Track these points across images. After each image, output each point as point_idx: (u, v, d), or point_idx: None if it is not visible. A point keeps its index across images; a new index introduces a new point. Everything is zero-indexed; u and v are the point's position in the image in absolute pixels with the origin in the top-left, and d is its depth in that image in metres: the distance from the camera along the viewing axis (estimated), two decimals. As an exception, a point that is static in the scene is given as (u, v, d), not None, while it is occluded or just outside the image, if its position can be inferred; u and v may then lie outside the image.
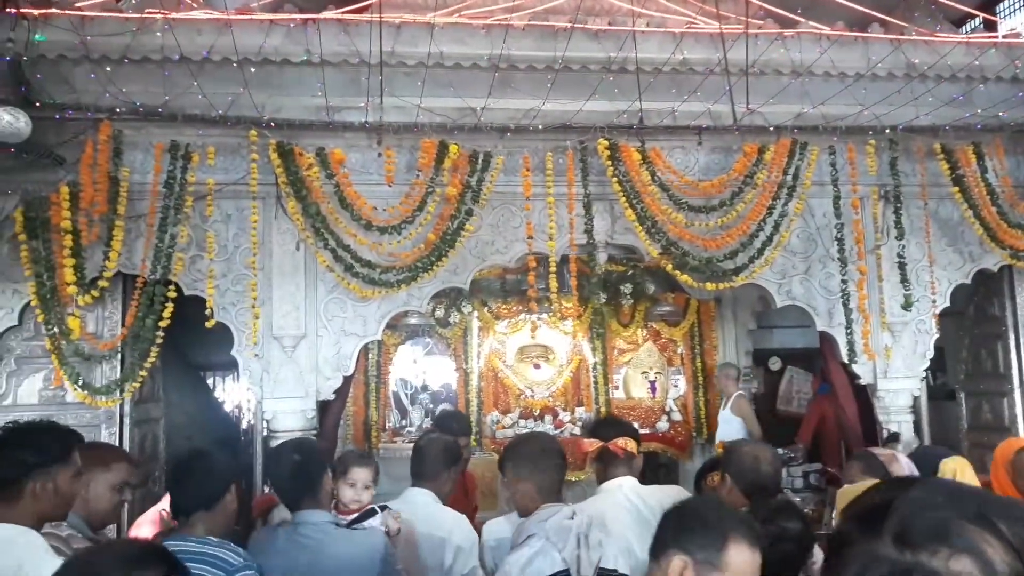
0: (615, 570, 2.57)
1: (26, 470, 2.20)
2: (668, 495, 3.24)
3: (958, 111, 5.38)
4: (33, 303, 4.68)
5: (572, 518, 2.61)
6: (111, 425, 5.34)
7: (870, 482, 3.16)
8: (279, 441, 4.92)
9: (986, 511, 0.87)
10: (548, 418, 7.99)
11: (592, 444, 3.07)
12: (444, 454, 3.41)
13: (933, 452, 3.64)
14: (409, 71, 4.72)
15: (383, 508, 3.16)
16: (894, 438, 5.07)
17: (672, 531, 1.89)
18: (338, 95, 4.83)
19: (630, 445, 3.02)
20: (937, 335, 5.66)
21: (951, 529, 0.85)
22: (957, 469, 2.97)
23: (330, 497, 3.05)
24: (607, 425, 3.30)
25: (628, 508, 2.85)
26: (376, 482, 3.33)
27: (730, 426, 6.71)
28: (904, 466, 2.94)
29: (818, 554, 2.57)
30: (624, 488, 2.93)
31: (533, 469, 2.78)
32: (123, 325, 4.93)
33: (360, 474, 3.25)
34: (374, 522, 3.09)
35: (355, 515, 3.15)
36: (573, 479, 7.44)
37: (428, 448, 3.45)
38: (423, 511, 3.27)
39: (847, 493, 3.27)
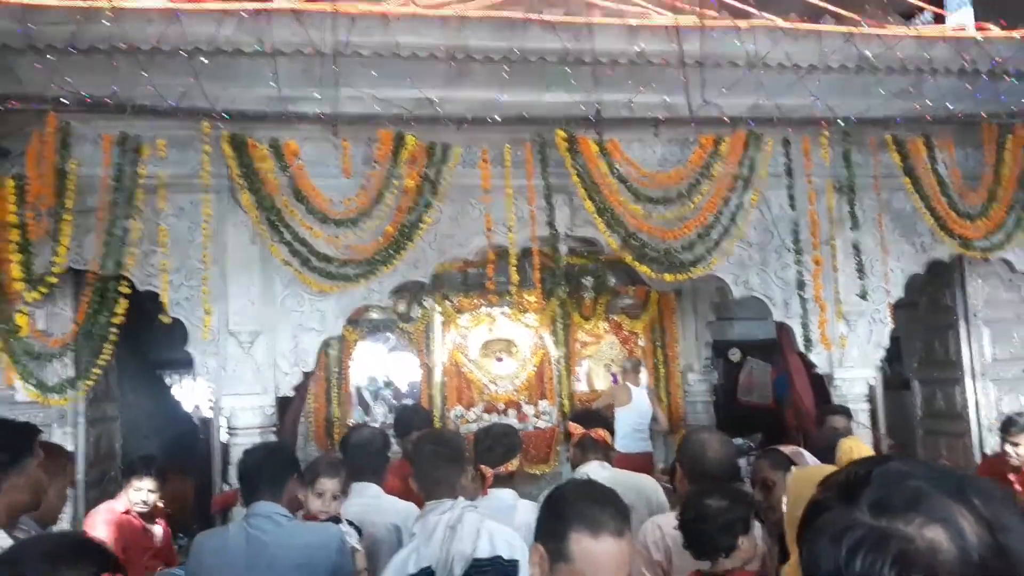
0: (497, 556, 2.52)
1: (1, 469, 2.27)
2: (633, 480, 3.33)
3: (908, 103, 5.45)
4: (-22, 300, 4.54)
5: (448, 510, 2.58)
6: (64, 424, 5.22)
7: (823, 468, 3.20)
8: (239, 438, 4.87)
9: (963, 487, 0.90)
10: (512, 412, 7.96)
11: (576, 429, 3.53)
12: (377, 443, 3.53)
13: (833, 435, 3.78)
14: (364, 61, 4.65)
15: (354, 525, 3.20)
16: (844, 412, 5.13)
17: (537, 520, 1.87)
18: (292, 86, 4.73)
19: (607, 437, 3.48)
20: (892, 325, 5.73)
21: (926, 499, 0.87)
22: (853, 447, 3.06)
23: (294, 502, 3.02)
24: (590, 417, 3.71)
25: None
26: (345, 492, 3.33)
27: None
28: (808, 461, 3.02)
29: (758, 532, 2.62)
30: (591, 469, 3.27)
31: (418, 466, 2.83)
32: (75, 322, 4.81)
33: (328, 484, 3.25)
34: (342, 527, 3.10)
35: (324, 521, 3.16)
36: (537, 472, 7.46)
37: (365, 443, 3.50)
38: (377, 502, 3.31)
39: (798, 480, 3.29)
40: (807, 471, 3.35)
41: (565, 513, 1.79)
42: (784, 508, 2.59)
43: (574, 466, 3.49)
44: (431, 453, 2.79)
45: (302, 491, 3.18)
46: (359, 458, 3.48)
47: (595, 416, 3.76)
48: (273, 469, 2.91)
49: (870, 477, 0.93)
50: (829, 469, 2.33)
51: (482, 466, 3.11)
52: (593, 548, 1.71)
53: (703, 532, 2.44)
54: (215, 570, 2.69)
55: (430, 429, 4.24)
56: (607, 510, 1.78)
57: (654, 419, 7.41)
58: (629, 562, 1.76)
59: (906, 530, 0.85)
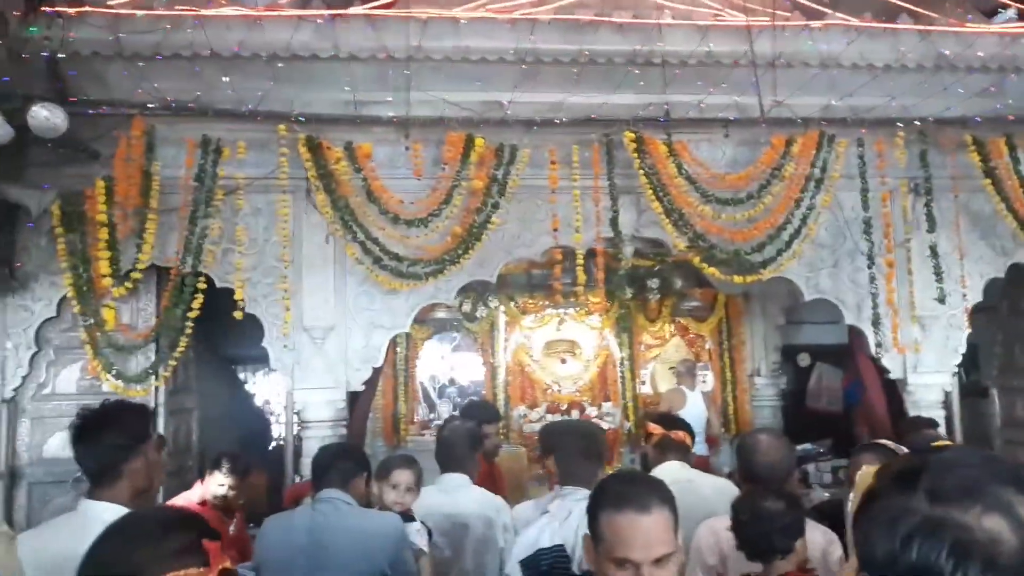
0: None
1: (124, 453, 2.29)
2: (712, 481, 3.39)
3: (989, 102, 5.31)
4: (70, 295, 4.79)
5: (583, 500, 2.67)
6: (145, 415, 5.45)
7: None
8: (310, 431, 5.04)
9: (1020, 475, 0.89)
10: (575, 413, 8.00)
11: (656, 430, 3.61)
12: (469, 439, 3.51)
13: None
14: (435, 65, 4.76)
15: (424, 524, 3.23)
16: (931, 424, 4.99)
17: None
18: (366, 90, 4.88)
19: (687, 439, 3.57)
20: (969, 330, 5.58)
21: (985, 488, 0.87)
22: None
23: (362, 500, 3.09)
24: (670, 419, 3.82)
25: (676, 485, 3.01)
26: (419, 485, 3.37)
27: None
28: None
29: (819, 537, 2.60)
30: (671, 468, 3.35)
31: (561, 455, 2.91)
32: (156, 316, 5.04)
33: (402, 476, 3.30)
34: (414, 525, 3.16)
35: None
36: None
37: (453, 435, 3.54)
38: (466, 493, 3.37)
39: (866, 476, 3.26)
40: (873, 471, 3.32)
41: (598, 496, 1.89)
42: (850, 508, 2.58)
43: (651, 466, 3.54)
44: (574, 447, 2.88)
45: (375, 486, 3.26)
46: (449, 449, 3.54)
47: (675, 419, 3.82)
48: (344, 464, 3.03)
49: (927, 465, 0.91)
50: None
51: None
52: (616, 520, 1.78)
53: (761, 534, 2.44)
54: (277, 548, 2.83)
55: (576, 421, 4.29)
56: (634, 488, 1.85)
57: (708, 422, 7.35)
58: (665, 540, 1.78)
59: (964, 519, 0.84)
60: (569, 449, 2.92)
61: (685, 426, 3.64)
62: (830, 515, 3.59)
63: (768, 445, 2.94)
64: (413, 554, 3.01)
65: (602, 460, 3.02)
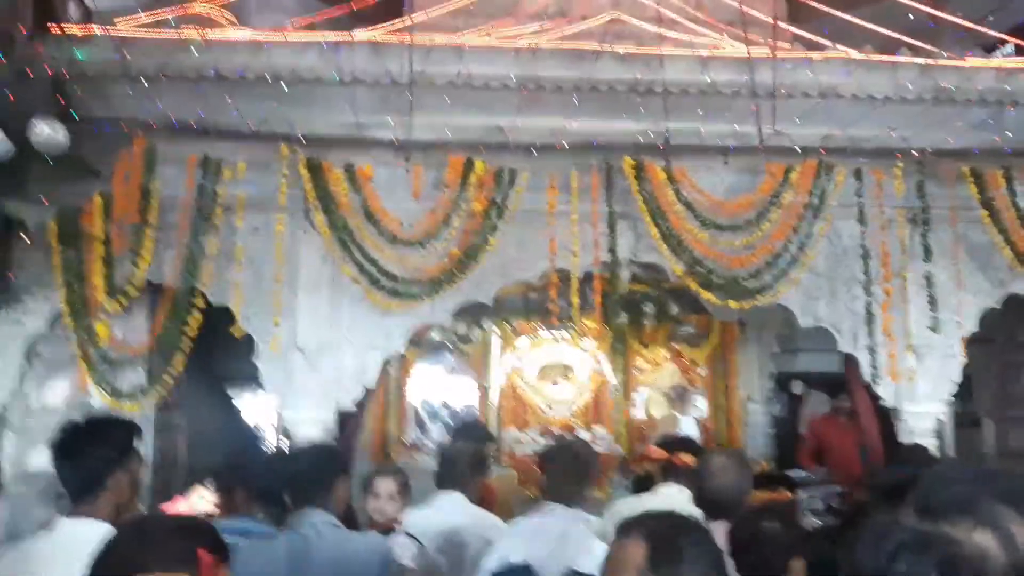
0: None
1: (108, 466, 2.31)
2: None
3: (987, 135, 5.43)
4: (64, 309, 4.84)
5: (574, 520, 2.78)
6: (135, 432, 5.48)
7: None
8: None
9: (1011, 490, 0.90)
10: (567, 437, 8.04)
11: (658, 453, 3.70)
12: (472, 460, 3.52)
13: None
14: (438, 90, 4.86)
15: (412, 536, 3.12)
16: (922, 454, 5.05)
17: None
18: (368, 113, 4.98)
19: (691, 462, 3.50)
20: (964, 360, 5.69)
21: (976, 503, 0.87)
22: None
23: (343, 505, 2.93)
24: (676, 443, 3.87)
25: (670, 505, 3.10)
26: (404, 496, 3.34)
27: None
28: None
29: None
30: (669, 492, 3.42)
31: (549, 472, 3.06)
32: (150, 333, 5.09)
33: (384, 484, 3.26)
34: (399, 539, 3.06)
35: (380, 529, 3.15)
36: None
37: (457, 455, 3.57)
38: (465, 512, 3.37)
39: None
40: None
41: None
42: None
43: (647, 487, 3.62)
44: (563, 465, 2.97)
45: (347, 493, 3.01)
46: (450, 468, 3.54)
47: (682, 442, 3.88)
48: (320, 470, 2.86)
49: (918, 479, 0.92)
50: None
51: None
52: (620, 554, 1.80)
53: (761, 557, 2.48)
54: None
55: (572, 441, 4.35)
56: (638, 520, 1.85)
57: None
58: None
59: (953, 533, 0.84)
60: (558, 466, 3.04)
61: (693, 449, 3.65)
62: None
63: (721, 467, 2.92)
64: (396, 570, 2.86)
65: (590, 481, 3.08)
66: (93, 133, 4.69)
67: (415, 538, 3.16)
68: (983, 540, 0.84)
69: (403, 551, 2.97)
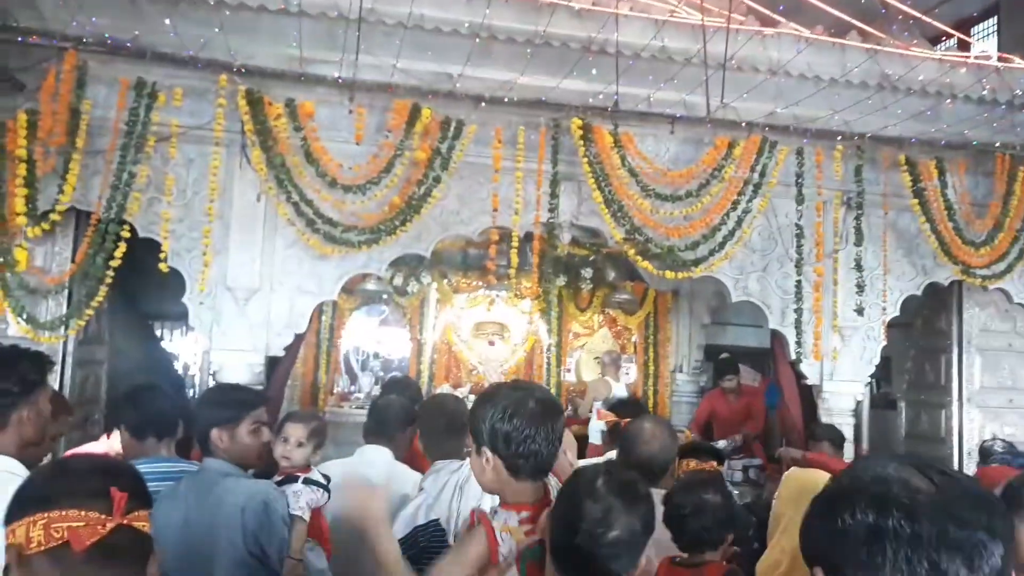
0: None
1: (13, 400, 2.22)
2: None
3: (925, 126, 5.54)
4: (-20, 231, 4.59)
5: (457, 471, 2.77)
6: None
7: (815, 472, 3.32)
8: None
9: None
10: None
11: (607, 416, 3.79)
12: (402, 414, 3.47)
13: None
14: (387, 30, 4.71)
15: (315, 483, 2.95)
16: (833, 436, 5.18)
17: None
18: (313, 48, 4.79)
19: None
20: (884, 343, 5.84)
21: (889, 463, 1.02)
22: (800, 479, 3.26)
23: (251, 450, 2.75)
24: (626, 406, 3.93)
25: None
26: (315, 443, 3.19)
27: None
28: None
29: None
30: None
31: (426, 433, 3.08)
32: (73, 261, 4.87)
33: (293, 430, 3.07)
34: (292, 487, 2.91)
35: (281, 477, 2.99)
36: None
37: (387, 408, 3.51)
38: (385, 468, 3.32)
39: (792, 478, 3.41)
40: (801, 473, 3.46)
41: None
42: (774, 504, 2.69)
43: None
44: (439, 422, 2.92)
45: (226, 439, 2.74)
46: (380, 421, 3.45)
47: (633, 405, 3.90)
48: (219, 410, 2.73)
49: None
50: (825, 475, 2.45)
51: None
52: None
53: (702, 527, 2.49)
54: (162, 528, 2.45)
55: (437, 396, 4.26)
56: None
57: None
58: None
59: (882, 474, 1.01)
60: (433, 426, 3.05)
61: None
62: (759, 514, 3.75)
63: (650, 433, 2.91)
64: (288, 520, 2.67)
65: (466, 430, 3.04)
66: (19, 44, 4.43)
67: (324, 486, 3.01)
68: (905, 474, 1.01)
69: (295, 499, 2.83)
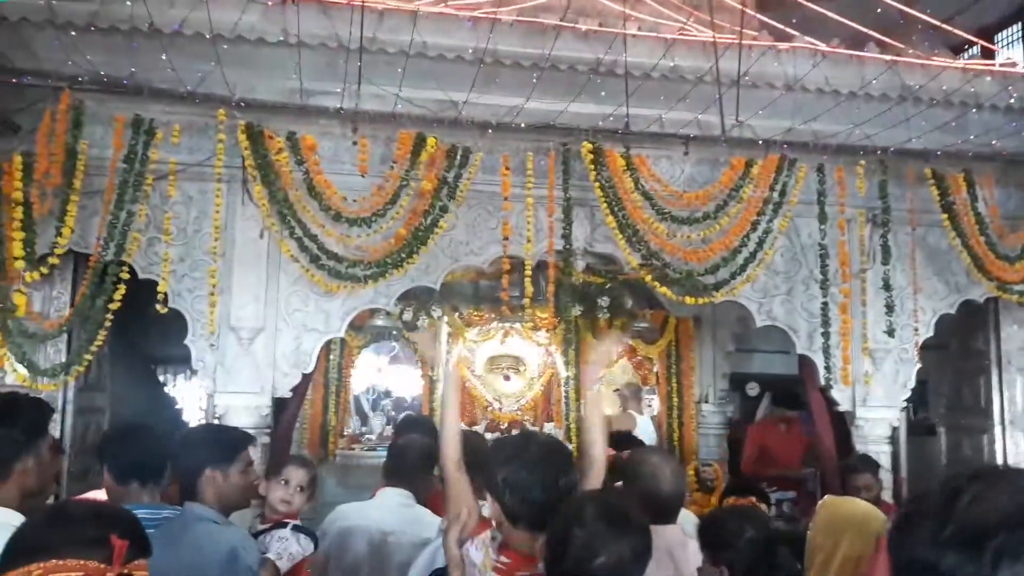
0: None
1: (17, 449, 2.24)
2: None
3: (951, 137, 5.51)
4: (-23, 277, 4.63)
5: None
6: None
7: (850, 501, 3.25)
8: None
9: None
10: (516, 432, 8.02)
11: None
12: (424, 455, 3.41)
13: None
14: (390, 59, 4.76)
15: (305, 532, 2.98)
16: (870, 466, 5.10)
17: None
18: (314, 79, 4.85)
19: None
20: (919, 365, 5.76)
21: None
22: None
23: (218, 497, 2.72)
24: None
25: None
26: (311, 491, 3.17)
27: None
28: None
29: None
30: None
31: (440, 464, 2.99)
32: (71, 305, 4.90)
33: (296, 473, 3.11)
34: (278, 532, 2.93)
35: (269, 525, 3.00)
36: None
37: (408, 448, 3.47)
38: (401, 512, 3.27)
39: (827, 507, 3.34)
40: (836, 502, 3.39)
41: None
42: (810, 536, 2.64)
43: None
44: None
45: (220, 480, 2.75)
46: (399, 462, 3.43)
47: (628, 439, 3.81)
48: (196, 456, 2.73)
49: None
50: (861, 504, 2.39)
51: None
52: None
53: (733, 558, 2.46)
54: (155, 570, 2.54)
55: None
56: None
57: None
58: None
59: None
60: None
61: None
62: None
63: (656, 466, 2.83)
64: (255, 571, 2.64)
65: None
66: (13, 85, 4.50)
67: (312, 536, 3.03)
68: None
69: (281, 544, 2.85)
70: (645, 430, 7.40)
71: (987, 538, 0.93)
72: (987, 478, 1.02)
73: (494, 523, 1.99)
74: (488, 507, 2.04)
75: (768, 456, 6.95)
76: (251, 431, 4.81)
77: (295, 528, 2.97)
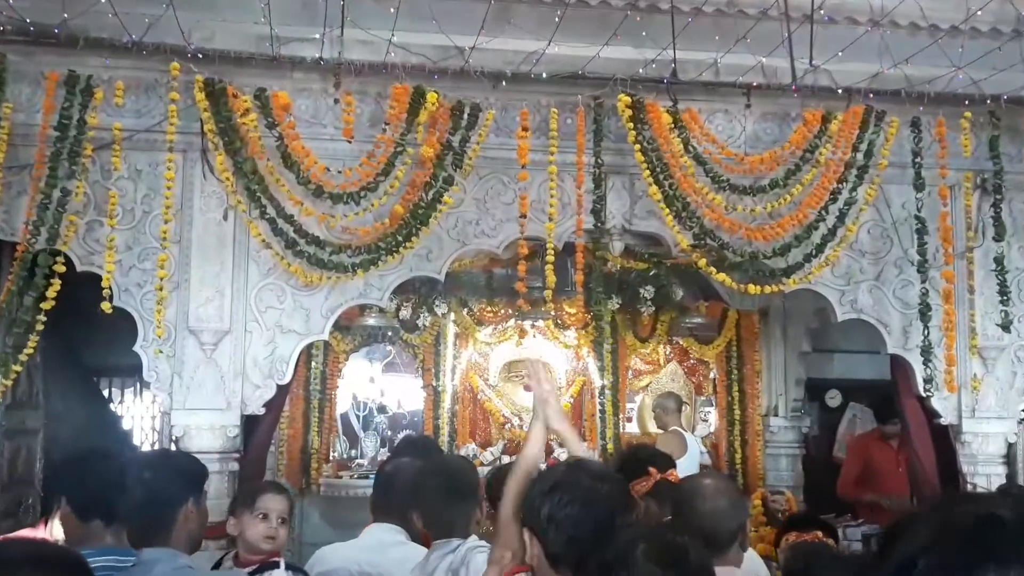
0: None
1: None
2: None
3: (1080, 80, 5.46)
4: None
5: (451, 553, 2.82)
6: (-30, 435, 5.36)
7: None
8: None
9: None
10: (562, 462, 8.03)
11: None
12: (417, 484, 3.44)
13: None
14: (379, -4, 4.78)
15: (300, 572, 3.12)
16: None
17: None
18: (287, 24, 4.87)
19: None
20: (1042, 367, 5.73)
21: None
22: None
23: (189, 537, 2.83)
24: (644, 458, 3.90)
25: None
26: (291, 520, 3.29)
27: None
28: None
29: None
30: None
31: (424, 503, 3.13)
32: (-5, 306, 4.95)
33: (274, 503, 3.19)
34: (274, 573, 3.04)
35: (255, 567, 3.08)
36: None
37: (396, 476, 3.49)
38: (392, 552, 3.30)
39: None
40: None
41: None
42: None
43: None
44: (440, 488, 2.90)
45: (197, 518, 2.88)
46: (386, 493, 3.48)
47: (650, 456, 3.85)
48: (157, 500, 2.77)
49: None
50: None
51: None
52: None
53: None
54: None
55: (437, 458, 4.26)
56: None
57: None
58: None
59: None
60: (428, 490, 3.10)
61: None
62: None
63: (713, 491, 2.91)
64: None
65: (476, 500, 3.08)
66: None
67: (305, 574, 3.13)
68: None
69: None
70: (694, 448, 7.38)
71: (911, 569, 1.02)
72: (923, 513, 1.15)
73: (530, 564, 2.02)
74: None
75: (873, 477, 6.94)
76: (216, 456, 4.91)
77: (289, 568, 3.06)
